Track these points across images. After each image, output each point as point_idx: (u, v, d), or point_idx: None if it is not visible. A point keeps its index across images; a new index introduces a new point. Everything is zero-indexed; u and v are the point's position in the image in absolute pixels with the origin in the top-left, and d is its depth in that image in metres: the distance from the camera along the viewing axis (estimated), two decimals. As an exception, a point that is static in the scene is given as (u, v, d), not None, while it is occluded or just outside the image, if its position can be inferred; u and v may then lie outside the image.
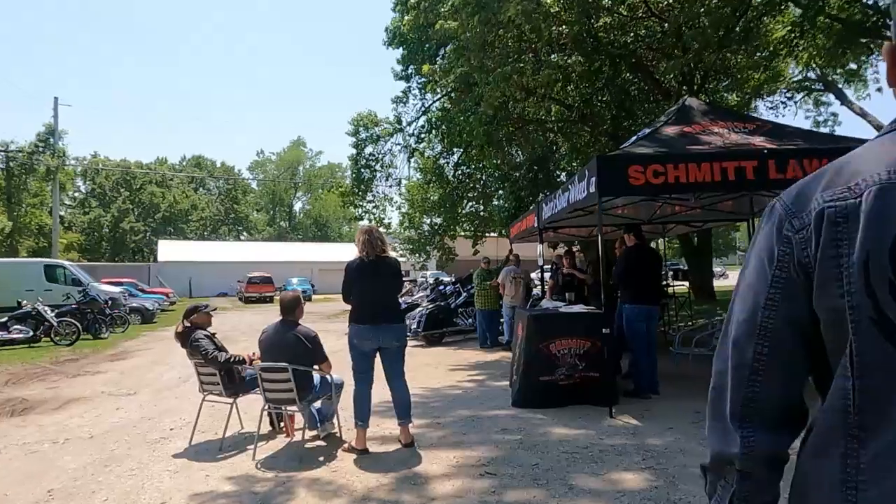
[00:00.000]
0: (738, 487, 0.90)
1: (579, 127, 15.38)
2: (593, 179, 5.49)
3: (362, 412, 4.69)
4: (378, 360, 4.76)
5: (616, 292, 6.67)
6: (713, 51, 9.98)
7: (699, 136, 6.17)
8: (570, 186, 6.42)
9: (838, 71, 13.62)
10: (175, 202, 59.49)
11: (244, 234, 74.84)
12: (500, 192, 14.39)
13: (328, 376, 4.81)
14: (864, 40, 11.12)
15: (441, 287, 15.08)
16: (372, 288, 4.64)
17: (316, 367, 4.75)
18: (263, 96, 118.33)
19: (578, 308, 6.32)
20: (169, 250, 44.05)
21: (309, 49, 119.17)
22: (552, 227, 9.28)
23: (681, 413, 5.40)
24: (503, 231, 15.12)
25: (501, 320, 11.10)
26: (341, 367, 5.31)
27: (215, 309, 5.08)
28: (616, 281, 6.37)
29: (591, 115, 15.16)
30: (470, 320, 12.61)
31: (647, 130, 6.77)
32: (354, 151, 16.69)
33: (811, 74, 15.19)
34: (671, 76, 14.93)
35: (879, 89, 14.58)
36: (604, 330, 5.48)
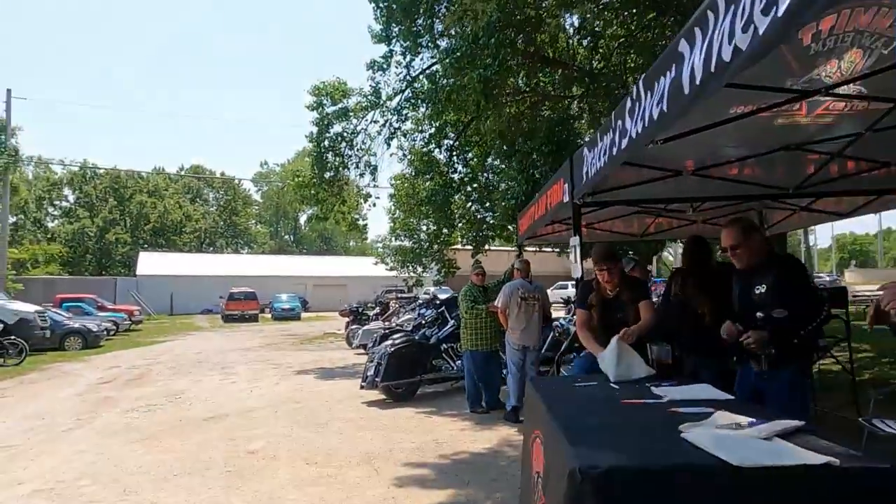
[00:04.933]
0: None
1: (604, 96, 11.23)
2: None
3: None
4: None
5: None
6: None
7: None
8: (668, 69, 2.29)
9: None
10: (167, 212, 55.87)
11: (245, 247, 71.47)
12: (508, 168, 10.18)
13: None
14: None
15: (423, 311, 10.91)
16: None
17: None
18: (270, 105, 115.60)
19: (709, 401, 2.12)
20: (149, 263, 40.17)
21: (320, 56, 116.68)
22: (595, 205, 4.97)
23: None
24: (508, 232, 10.93)
25: (505, 370, 6.91)
26: None
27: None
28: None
29: (622, 86, 11.00)
30: (459, 362, 8.38)
31: None
32: (315, 130, 12.73)
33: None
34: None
35: None
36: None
